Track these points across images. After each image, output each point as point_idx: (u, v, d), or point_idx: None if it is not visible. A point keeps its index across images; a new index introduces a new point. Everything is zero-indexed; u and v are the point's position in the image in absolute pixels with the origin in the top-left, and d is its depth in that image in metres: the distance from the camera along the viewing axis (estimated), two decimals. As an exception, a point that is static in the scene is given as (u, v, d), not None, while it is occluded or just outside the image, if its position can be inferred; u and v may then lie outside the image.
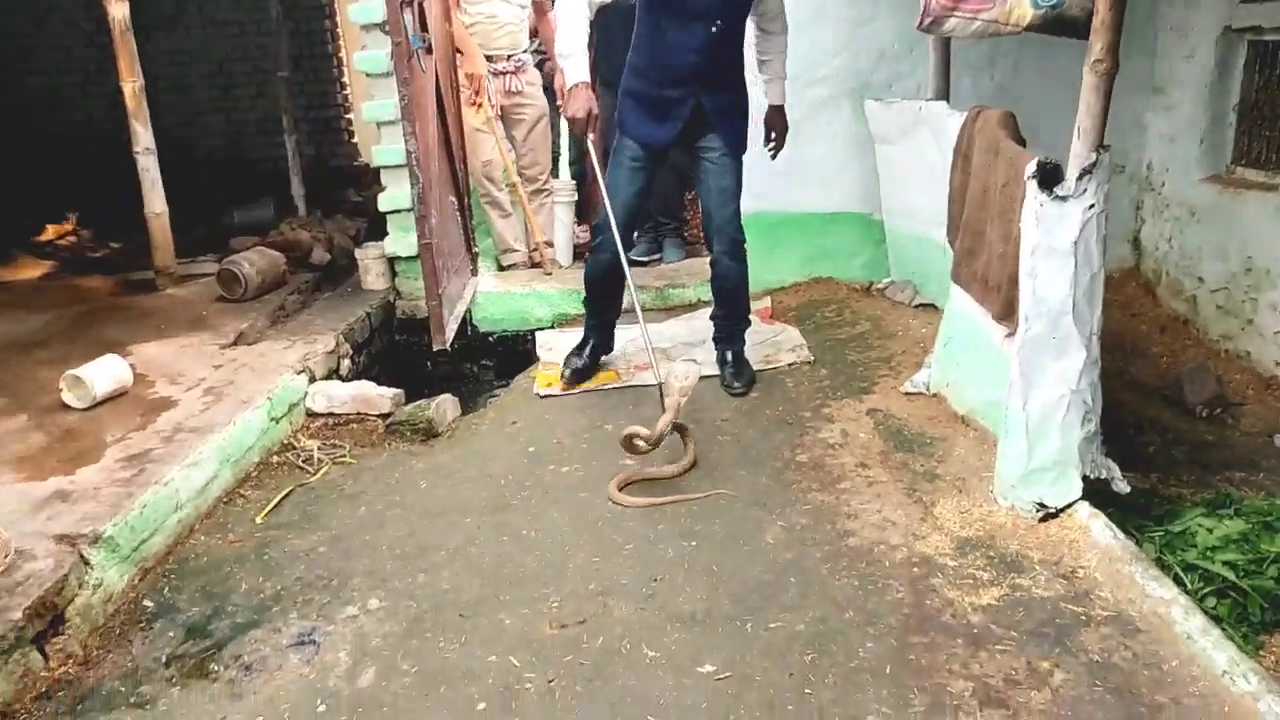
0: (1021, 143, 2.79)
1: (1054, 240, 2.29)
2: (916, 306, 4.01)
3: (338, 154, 7.90)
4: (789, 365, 3.65)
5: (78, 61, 7.90)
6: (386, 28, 3.28)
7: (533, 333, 4.20)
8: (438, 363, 4.23)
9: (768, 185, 4.27)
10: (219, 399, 3.16)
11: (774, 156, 3.59)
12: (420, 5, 3.36)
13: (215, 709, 2.05)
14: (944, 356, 3.19)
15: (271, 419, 3.18)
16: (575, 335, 3.74)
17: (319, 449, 3.20)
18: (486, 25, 4.39)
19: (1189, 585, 2.38)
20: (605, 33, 4.22)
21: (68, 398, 3.15)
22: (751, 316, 4.10)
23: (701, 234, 3.70)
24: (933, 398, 3.22)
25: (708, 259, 3.54)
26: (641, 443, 2.88)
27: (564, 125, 4.53)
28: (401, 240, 4.28)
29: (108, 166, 7.86)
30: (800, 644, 2.11)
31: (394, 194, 4.23)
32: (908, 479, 2.77)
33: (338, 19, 7.76)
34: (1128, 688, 1.91)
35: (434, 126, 3.62)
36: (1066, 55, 2.73)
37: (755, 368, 3.62)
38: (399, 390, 3.49)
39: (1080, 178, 2.24)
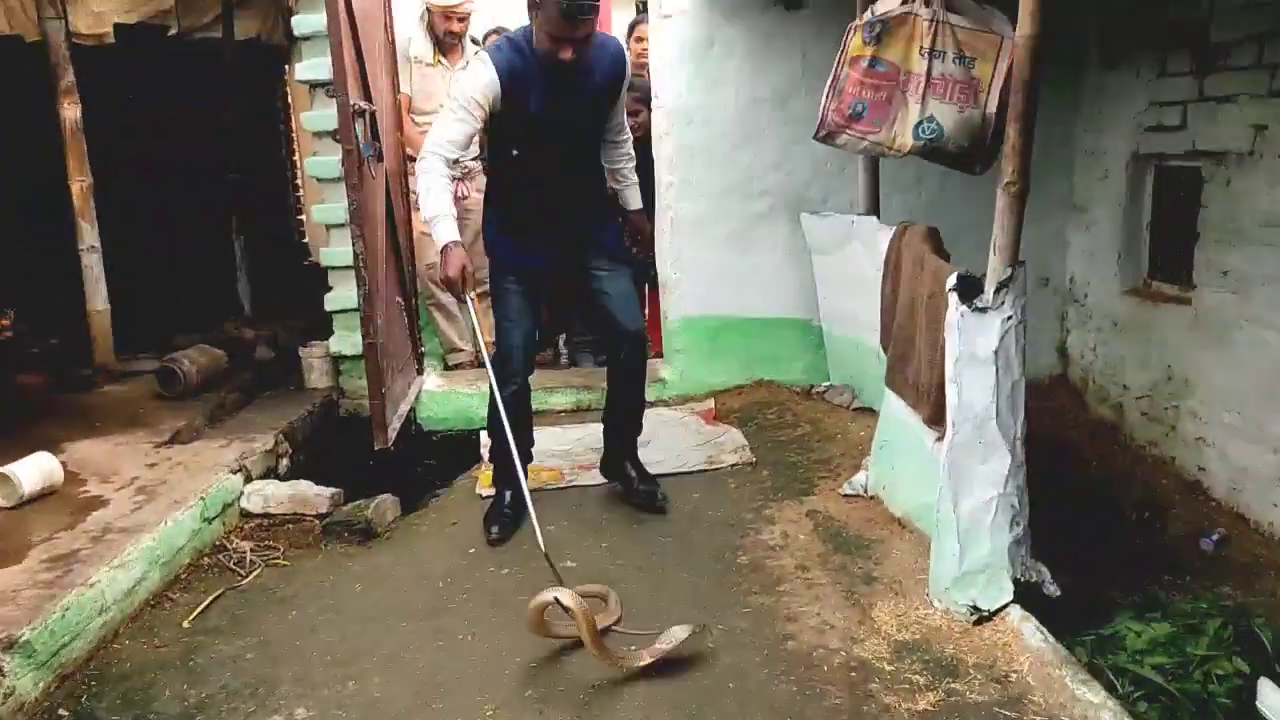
0: (945, 256, 2.94)
1: (976, 349, 2.39)
2: (855, 410, 4.11)
3: (286, 252, 7.93)
4: (731, 466, 3.69)
5: (26, 155, 7.89)
6: (338, 136, 3.36)
7: (477, 432, 4.19)
8: (380, 462, 4.18)
9: (712, 291, 4.42)
10: (151, 498, 3.09)
11: (643, 259, 3.59)
12: (372, 115, 3.47)
13: (128, 827, 1.96)
14: (880, 460, 3.27)
15: (204, 519, 3.12)
16: (555, 430, 3.74)
17: (252, 550, 3.13)
18: (435, 133, 4.53)
19: (1120, 689, 2.42)
20: None
21: (-7, 496, 3.07)
22: (693, 418, 4.17)
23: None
24: (870, 500, 3.27)
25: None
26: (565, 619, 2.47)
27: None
28: (346, 339, 4.30)
29: (46, 261, 7.80)
30: (737, 752, 2.09)
31: (340, 294, 4.27)
32: (846, 581, 2.80)
33: (293, 126, 7.90)
34: (1060, 793, 1.93)
35: (383, 230, 3.69)
36: (987, 176, 2.91)
37: (698, 468, 3.66)
38: (338, 490, 3.45)
39: (998, 290, 2.36)
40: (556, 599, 2.39)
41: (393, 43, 4.08)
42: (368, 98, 3.46)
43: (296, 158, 8.07)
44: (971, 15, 2.86)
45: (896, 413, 3.13)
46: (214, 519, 3.17)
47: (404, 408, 3.92)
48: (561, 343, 5.14)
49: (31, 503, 3.10)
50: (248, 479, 3.42)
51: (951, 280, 2.45)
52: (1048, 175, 4.45)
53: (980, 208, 3.13)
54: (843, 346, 4.19)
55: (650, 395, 4.45)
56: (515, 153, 3.04)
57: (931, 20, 2.82)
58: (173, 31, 8.02)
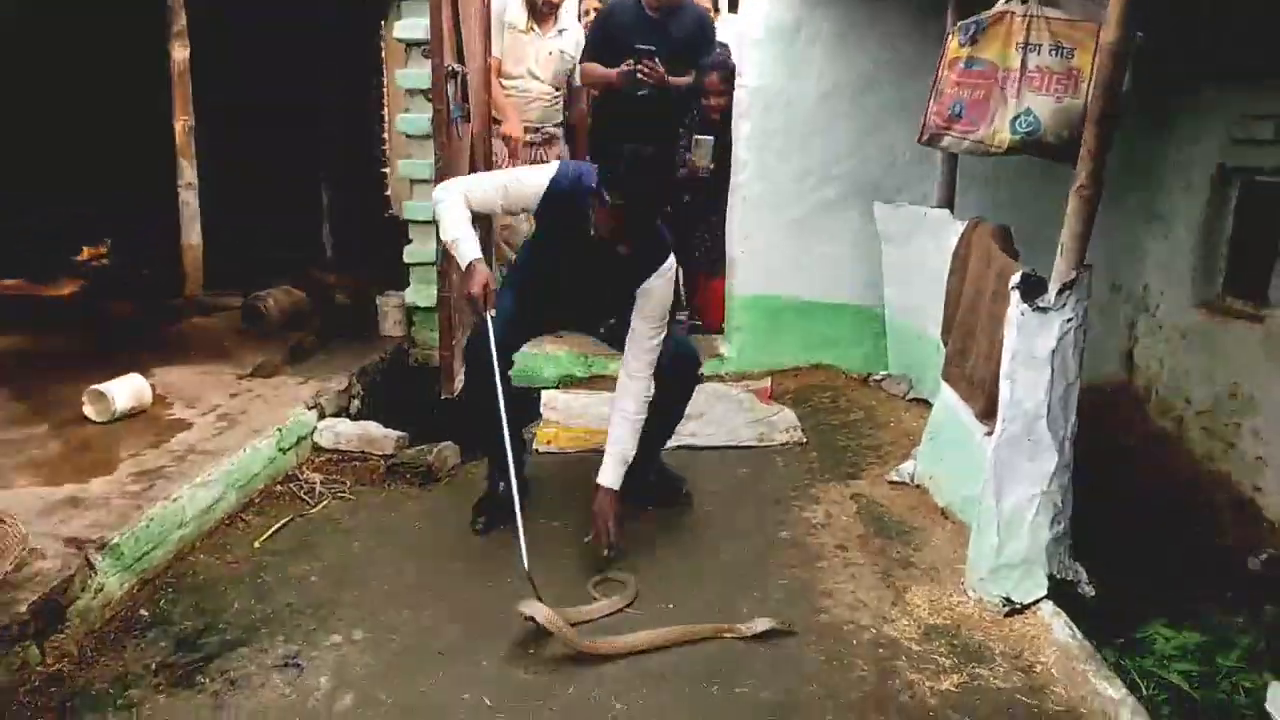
0: (1014, 255, 2.96)
1: (1033, 348, 2.43)
2: (910, 400, 4.15)
3: (371, 203, 8.16)
4: (781, 445, 3.77)
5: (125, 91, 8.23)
6: (430, 94, 3.49)
7: (538, 391, 4.33)
8: (443, 411, 4.35)
9: (777, 271, 4.48)
10: (232, 425, 3.30)
11: (606, 552, 2.86)
12: (463, 77, 3.59)
13: (198, 719, 2.14)
14: (929, 450, 3.31)
15: (280, 449, 3.31)
16: (578, 396, 3.85)
17: (321, 482, 3.32)
18: (518, 99, 4.64)
19: (1144, 691, 2.46)
20: None
21: (88, 411, 3.30)
22: (748, 395, 4.25)
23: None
24: (916, 489, 3.33)
25: None
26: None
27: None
28: (421, 291, 4.46)
29: (142, 196, 8.14)
30: (764, 712, 2.19)
31: (419, 248, 4.43)
32: (883, 564, 2.87)
33: (386, 81, 8.08)
34: (1071, 780, 1.99)
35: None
36: (1065, 176, 2.92)
37: (749, 444, 3.74)
38: (404, 433, 3.62)
39: (1060, 292, 2.40)
40: (530, 617, 2.40)
41: (488, 6, 4.19)
42: (460, 60, 3.58)
43: (386, 112, 8.26)
44: (1070, 6, 2.84)
45: (950, 405, 3.17)
46: (288, 450, 3.36)
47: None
48: None
49: (122, 420, 3.32)
50: (321, 415, 3.61)
51: (1015, 279, 2.49)
52: (1130, 182, 4.40)
53: (1056, 207, 3.13)
54: (904, 336, 4.23)
55: (707, 370, 4.54)
56: (548, 256, 2.99)
57: (1025, 16, 2.83)
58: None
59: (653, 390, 3.00)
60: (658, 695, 2.24)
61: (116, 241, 6.29)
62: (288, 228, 6.48)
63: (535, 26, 4.67)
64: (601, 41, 4.50)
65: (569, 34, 4.69)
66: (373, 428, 3.59)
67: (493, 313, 2.84)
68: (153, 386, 3.50)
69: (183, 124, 4.55)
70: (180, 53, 4.50)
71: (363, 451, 3.53)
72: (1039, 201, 4.11)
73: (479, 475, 3.50)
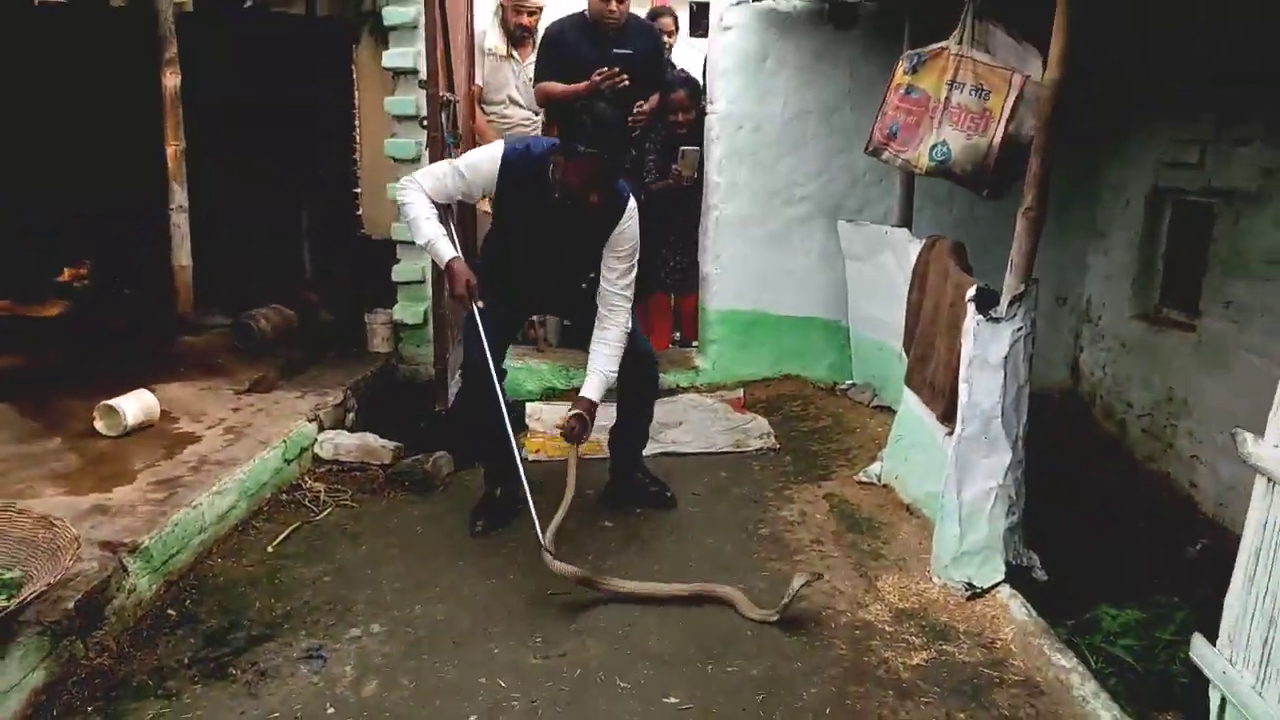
0: (968, 270, 3.24)
1: (988, 355, 2.70)
2: (875, 407, 4.42)
3: (343, 224, 8.30)
4: (756, 451, 4.01)
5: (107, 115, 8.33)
6: (422, 121, 3.70)
7: (522, 403, 4.53)
8: (432, 423, 4.54)
9: (748, 287, 4.74)
10: (239, 437, 3.46)
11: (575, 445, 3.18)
12: (454, 105, 3.80)
13: (235, 705, 2.31)
14: (894, 452, 3.58)
15: (285, 460, 3.48)
16: (561, 407, 4.04)
17: (325, 491, 3.49)
18: (498, 125, 4.86)
19: (1093, 664, 2.72)
20: None
21: (99, 425, 3.44)
22: (723, 405, 4.50)
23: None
24: (883, 488, 3.59)
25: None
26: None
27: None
28: (408, 309, 4.65)
29: (123, 216, 8.22)
30: (753, 686, 2.42)
31: (406, 267, 4.62)
32: (856, 556, 3.12)
33: (356, 104, 8.25)
34: (1029, 737, 2.25)
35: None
36: (1013, 198, 3.21)
37: (725, 450, 3.98)
38: (399, 444, 3.80)
39: (1011, 304, 2.67)
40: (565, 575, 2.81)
41: (472, 36, 4.41)
42: (451, 89, 3.79)
43: (358, 135, 8.42)
44: (1001, 51, 3.15)
45: (913, 409, 3.44)
46: (292, 460, 3.53)
47: (458, 376, 4.25)
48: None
49: (132, 434, 3.46)
50: (321, 428, 3.78)
51: (971, 292, 2.76)
52: (1073, 201, 4.73)
53: (1003, 225, 3.43)
54: (867, 347, 4.50)
55: (684, 381, 4.80)
56: (511, 238, 3.14)
57: (957, 55, 3.13)
58: (249, 4, 8.42)
59: (630, 325, 3.19)
60: (657, 673, 2.46)
61: (97, 262, 6.37)
62: (270, 248, 6.63)
63: (514, 53, 4.89)
64: (556, 62, 4.46)
65: None
66: (371, 439, 3.77)
67: (480, 305, 3.04)
68: (157, 402, 3.65)
69: (174, 149, 4.69)
70: (171, 80, 4.65)
71: (362, 461, 3.71)
72: (988, 220, 4.42)
73: (473, 482, 3.69)
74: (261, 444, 3.41)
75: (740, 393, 4.67)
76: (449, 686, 2.39)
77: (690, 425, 4.25)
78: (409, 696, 2.35)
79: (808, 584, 2.70)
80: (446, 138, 3.66)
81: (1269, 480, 1.66)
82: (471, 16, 4.39)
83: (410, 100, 4.29)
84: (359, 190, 8.51)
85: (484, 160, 3.05)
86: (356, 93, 8.28)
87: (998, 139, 3.18)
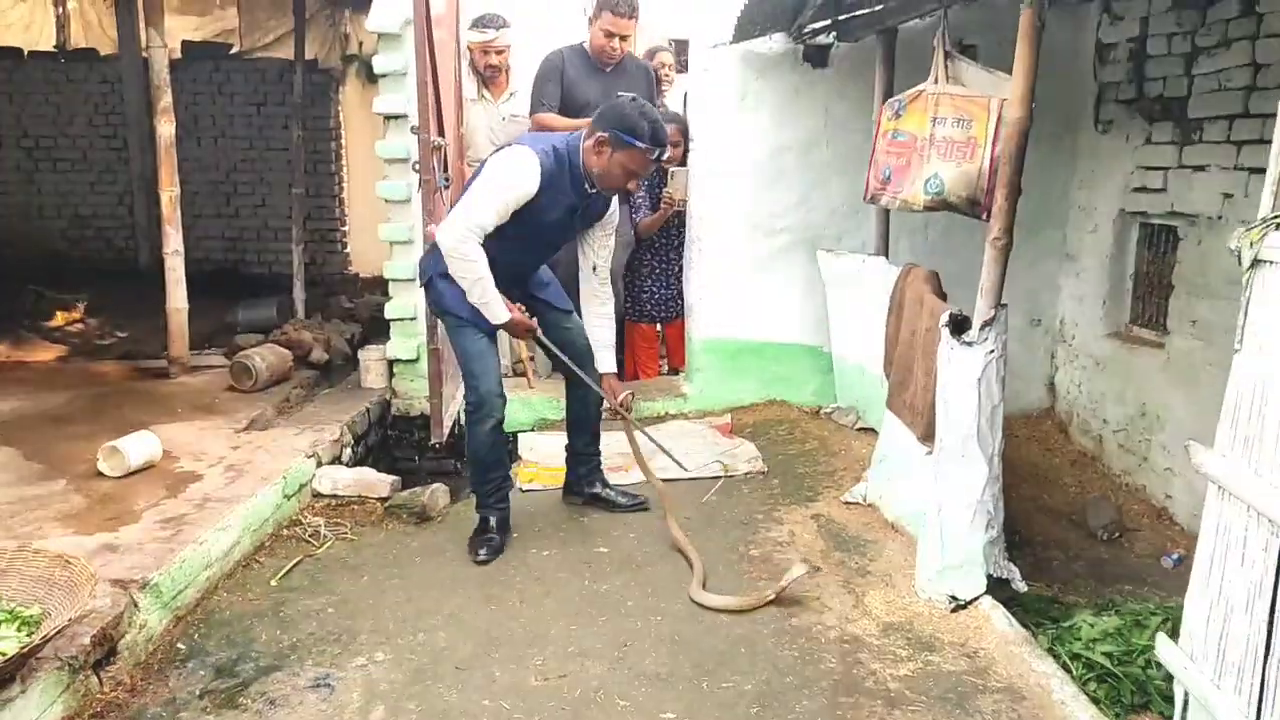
0: (942, 296, 3.38)
1: (961, 376, 2.83)
2: (858, 429, 4.54)
3: (332, 263, 8.44)
4: (744, 474, 4.12)
5: (94, 163, 8.48)
6: (414, 165, 3.83)
7: (515, 435, 4.63)
8: (426, 457, 4.64)
9: (733, 316, 4.87)
10: (240, 475, 3.55)
11: (625, 416, 3.58)
12: (444, 151, 3.94)
13: (246, 734, 2.39)
14: (878, 472, 3.70)
15: (285, 496, 3.56)
16: (554, 438, 4.16)
17: (325, 525, 3.57)
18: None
19: (1074, 671, 2.83)
20: None
21: (103, 466, 3.52)
22: (711, 430, 4.61)
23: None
24: (868, 507, 3.70)
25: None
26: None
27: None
28: (402, 345, 4.76)
29: (112, 261, 8.39)
30: (747, 700, 2.52)
31: (399, 304, 4.73)
32: (844, 573, 3.22)
33: (343, 144, 8.43)
34: (1012, 741, 2.35)
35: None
36: (982, 224, 3.35)
37: (713, 474, 4.09)
38: (396, 477, 3.89)
39: (983, 328, 2.80)
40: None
41: (460, 81, 4.55)
42: (441, 133, 3.93)
43: (345, 174, 8.58)
44: (974, 83, 3.31)
45: (895, 431, 3.56)
46: (292, 496, 3.62)
47: (453, 409, 4.36)
48: None
49: (135, 474, 3.54)
50: (319, 463, 3.87)
51: (944, 318, 2.89)
52: (1045, 225, 4.91)
53: (974, 252, 3.57)
54: (849, 372, 4.63)
55: (671, 409, 4.92)
56: (508, 234, 3.20)
57: (935, 94, 3.29)
58: (235, 50, 8.61)
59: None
60: (654, 691, 2.55)
61: (90, 306, 6.47)
62: (247, 289, 6.75)
63: (486, 94, 4.97)
64: (554, 94, 4.53)
65: (520, 96, 4.82)
66: (368, 473, 3.86)
67: (539, 332, 3.44)
68: (156, 442, 3.73)
69: (169, 195, 4.80)
70: (166, 128, 4.77)
71: (360, 495, 3.80)
72: (961, 247, 4.57)
73: (469, 513, 3.79)
74: (262, 481, 3.49)
75: (728, 418, 4.79)
76: (454, 710, 2.48)
77: (679, 451, 4.33)
78: (416, 720, 2.44)
79: (806, 573, 2.91)
80: (439, 181, 3.79)
81: (1219, 488, 1.78)
82: (459, 64, 4.53)
83: (401, 144, 4.43)
84: (346, 229, 8.67)
85: (522, 176, 3.13)
86: (343, 133, 8.47)
87: (986, 163, 3.30)
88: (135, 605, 2.64)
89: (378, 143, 4.60)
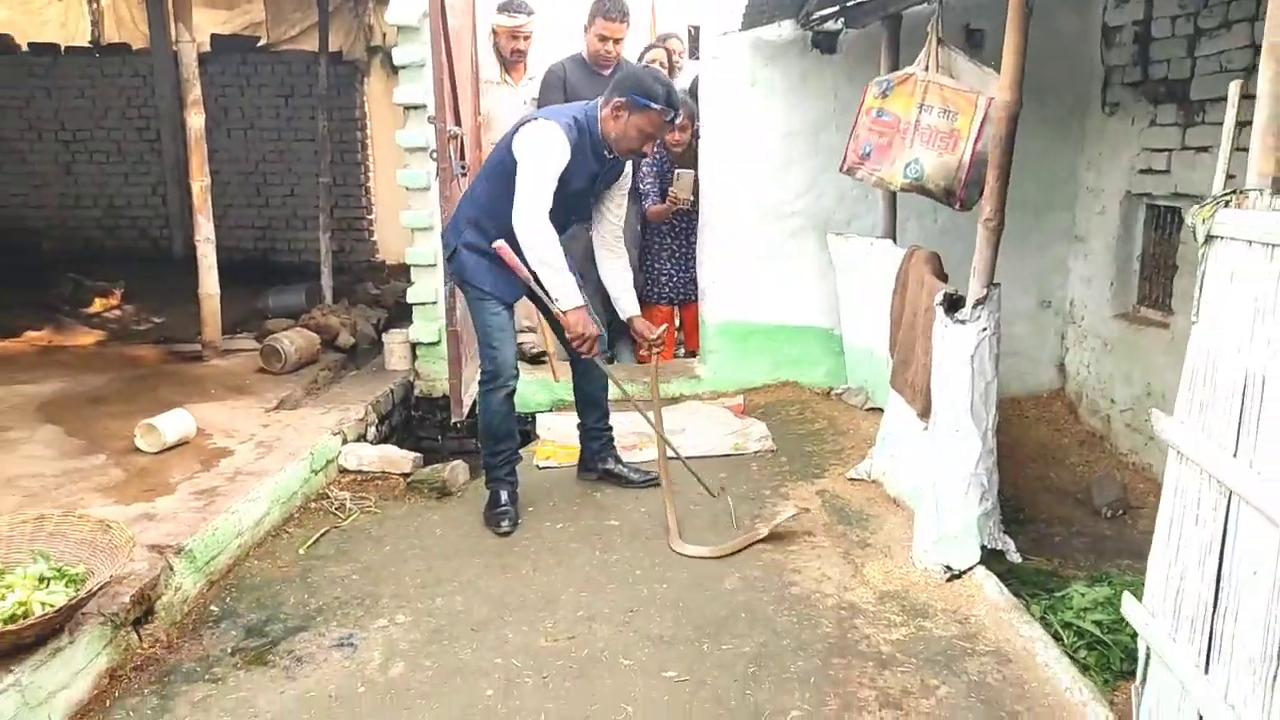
0: (943, 278, 3.47)
1: (955, 354, 2.93)
2: (867, 410, 4.64)
3: (359, 250, 8.63)
4: (754, 452, 4.24)
5: (127, 155, 8.73)
6: (432, 153, 3.97)
7: (533, 415, 4.78)
8: (448, 436, 4.81)
9: (745, 299, 4.98)
10: (270, 451, 3.72)
11: (655, 357, 3.78)
12: (461, 139, 4.08)
13: (275, 687, 2.56)
14: (882, 449, 3.80)
15: (312, 471, 3.74)
16: (570, 418, 4.30)
17: (350, 499, 3.74)
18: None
19: (1065, 639, 2.93)
20: None
21: (140, 443, 3.71)
22: (723, 411, 4.73)
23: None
24: (872, 483, 3.81)
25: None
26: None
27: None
28: (424, 328, 4.92)
29: (146, 249, 8.64)
30: (745, 660, 2.65)
31: (421, 288, 4.89)
32: (844, 545, 3.34)
33: (368, 134, 8.61)
34: (996, 700, 2.46)
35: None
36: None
37: (726, 453, 4.22)
38: (418, 454, 4.06)
39: (975, 306, 2.90)
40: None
41: (477, 70, 4.69)
42: (458, 122, 4.07)
43: (370, 164, 8.76)
44: (964, 76, 3.41)
45: (897, 409, 3.67)
46: (319, 471, 3.79)
47: (473, 389, 4.51)
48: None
49: (170, 450, 3.73)
50: (344, 441, 4.04)
51: (939, 297, 2.99)
52: (1053, 208, 4.97)
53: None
54: (859, 353, 4.73)
55: (685, 390, 5.04)
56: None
57: (925, 81, 3.38)
58: (262, 43, 8.80)
59: None
60: (657, 652, 2.69)
61: (126, 293, 6.70)
62: (277, 277, 6.96)
63: (507, 78, 5.14)
64: (560, 101, 4.58)
65: (537, 81, 5.01)
66: (391, 450, 4.03)
67: (596, 353, 3.46)
68: (191, 420, 3.92)
69: (199, 185, 4.98)
70: (196, 120, 4.94)
71: (383, 471, 3.96)
72: (969, 231, 4.63)
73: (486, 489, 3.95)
74: (290, 456, 3.67)
75: (740, 399, 4.91)
76: (468, 667, 2.63)
77: (693, 430, 4.48)
78: (432, 676, 2.59)
79: (794, 516, 3.22)
80: (455, 169, 3.93)
81: (1177, 452, 1.88)
82: (475, 51, 4.67)
83: (421, 134, 4.57)
84: (373, 217, 8.86)
85: (558, 147, 3.25)
86: (368, 123, 8.64)
87: (967, 156, 3.41)
88: (171, 569, 2.81)
89: (398, 132, 4.75)
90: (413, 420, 4.98)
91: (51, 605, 2.28)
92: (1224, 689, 1.64)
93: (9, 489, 3.35)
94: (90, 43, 8.81)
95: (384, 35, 8.31)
